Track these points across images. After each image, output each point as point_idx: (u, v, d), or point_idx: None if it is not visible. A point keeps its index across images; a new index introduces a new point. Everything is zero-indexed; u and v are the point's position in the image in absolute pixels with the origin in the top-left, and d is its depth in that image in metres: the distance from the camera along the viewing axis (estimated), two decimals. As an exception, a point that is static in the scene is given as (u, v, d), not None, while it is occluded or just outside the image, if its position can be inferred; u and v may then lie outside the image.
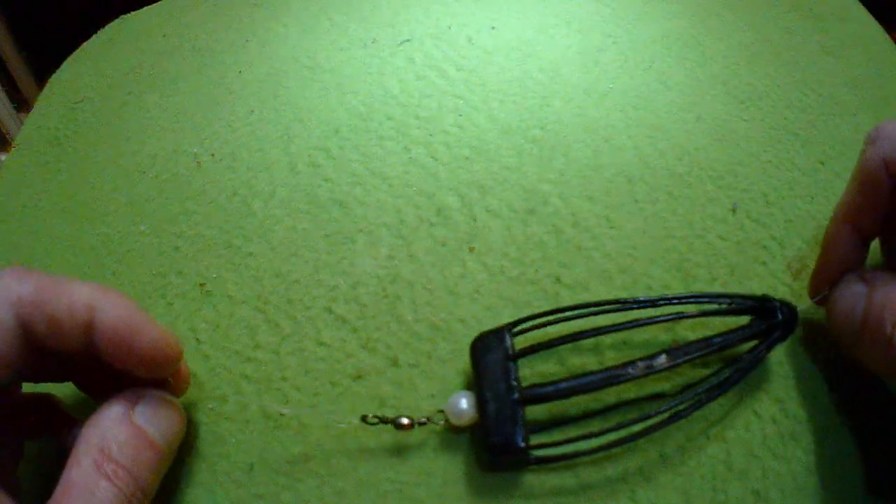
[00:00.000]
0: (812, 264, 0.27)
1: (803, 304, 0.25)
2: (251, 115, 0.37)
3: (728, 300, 0.24)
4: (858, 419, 0.24)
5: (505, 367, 0.23)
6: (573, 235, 0.29)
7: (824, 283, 0.24)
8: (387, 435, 0.24)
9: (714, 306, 0.24)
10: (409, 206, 0.31)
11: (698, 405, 0.23)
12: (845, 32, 0.39)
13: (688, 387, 0.24)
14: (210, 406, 0.25)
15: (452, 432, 0.24)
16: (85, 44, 0.46)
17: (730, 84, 0.36)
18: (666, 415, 0.22)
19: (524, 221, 0.30)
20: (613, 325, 0.24)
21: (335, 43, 0.41)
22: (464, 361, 0.26)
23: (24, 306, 0.19)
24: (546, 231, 0.29)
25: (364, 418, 0.23)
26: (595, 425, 0.23)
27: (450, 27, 0.40)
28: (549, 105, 0.35)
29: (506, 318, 0.26)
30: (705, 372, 0.25)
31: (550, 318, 0.24)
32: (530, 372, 0.25)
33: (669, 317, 0.24)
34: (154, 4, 0.48)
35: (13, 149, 0.39)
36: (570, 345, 0.24)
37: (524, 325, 0.24)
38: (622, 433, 0.22)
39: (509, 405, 0.22)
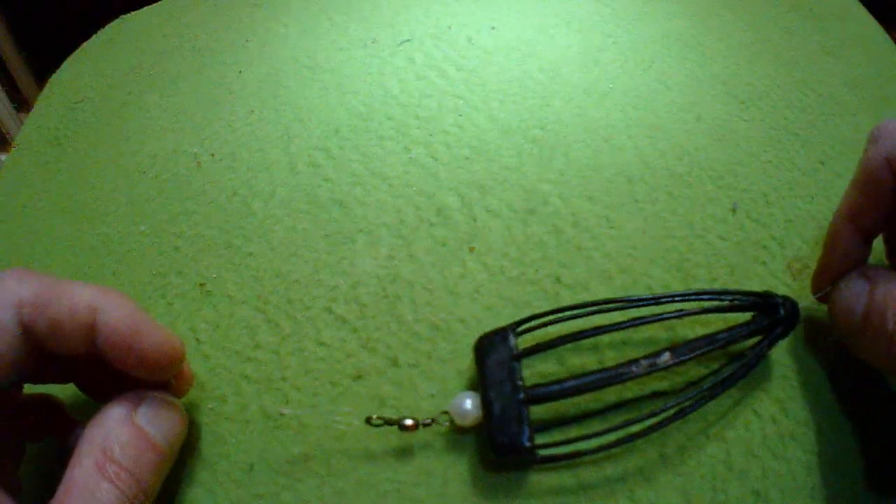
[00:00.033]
0: (812, 264, 0.28)
1: (806, 301, 0.25)
2: (251, 115, 0.37)
3: (730, 297, 0.24)
4: (859, 417, 0.24)
5: (510, 367, 0.23)
6: (573, 235, 0.29)
7: (827, 281, 0.24)
8: (388, 436, 0.24)
9: (716, 303, 0.24)
10: (409, 206, 0.31)
11: (703, 401, 0.23)
12: (845, 32, 0.39)
13: (690, 384, 0.24)
14: (210, 406, 0.25)
15: (457, 433, 0.24)
16: (85, 44, 0.46)
17: (730, 84, 0.36)
18: (671, 411, 0.22)
19: (524, 221, 0.30)
20: (617, 324, 0.24)
21: (335, 43, 0.41)
22: (464, 361, 0.26)
23: (26, 308, 0.19)
24: (546, 231, 0.29)
25: (368, 420, 0.23)
26: (597, 424, 0.23)
27: (450, 27, 0.40)
28: (549, 105, 0.35)
29: (506, 318, 0.26)
30: (705, 370, 0.25)
31: (554, 317, 0.24)
32: (530, 372, 0.25)
33: (673, 314, 0.24)
34: (154, 4, 0.48)
35: (13, 149, 0.39)
36: (570, 345, 0.24)
37: (528, 325, 0.24)
38: (628, 430, 0.22)
39: (514, 405, 0.22)
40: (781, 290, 0.27)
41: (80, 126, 0.39)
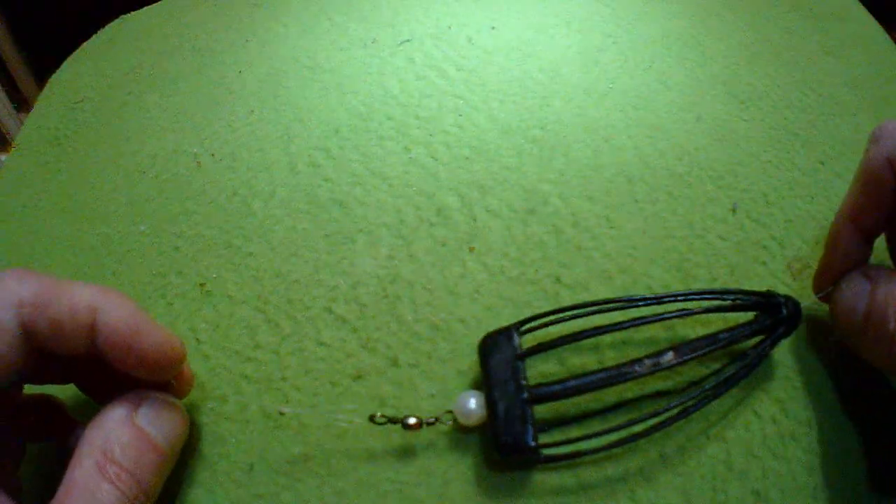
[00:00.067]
0: (812, 264, 0.28)
1: (806, 301, 0.25)
2: (251, 115, 0.37)
3: (732, 296, 0.24)
4: (860, 417, 0.24)
5: (514, 366, 0.23)
6: (573, 235, 0.29)
7: (828, 281, 0.24)
8: (388, 435, 0.24)
9: (718, 303, 0.24)
10: (409, 206, 0.31)
11: (705, 401, 0.23)
12: (845, 32, 0.39)
13: (692, 384, 0.24)
14: (210, 406, 0.25)
15: (460, 432, 0.24)
16: (85, 44, 0.46)
17: (730, 84, 0.36)
18: (674, 411, 0.22)
19: (524, 221, 0.30)
20: (621, 323, 0.24)
21: (335, 43, 0.41)
22: (464, 361, 0.26)
23: (26, 308, 0.19)
24: (546, 231, 0.29)
25: (372, 418, 0.23)
26: (597, 424, 0.23)
27: (450, 27, 0.40)
28: (549, 105, 0.35)
29: (506, 318, 0.26)
30: (706, 370, 0.25)
31: (557, 316, 0.24)
32: (532, 372, 0.25)
33: (676, 313, 0.24)
34: (154, 4, 0.48)
35: (13, 149, 0.39)
36: (570, 345, 0.24)
37: (532, 324, 0.24)
38: (631, 430, 0.22)
39: (519, 404, 0.22)
40: (781, 289, 0.27)
41: (80, 126, 0.39)
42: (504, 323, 0.25)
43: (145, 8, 0.48)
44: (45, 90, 0.43)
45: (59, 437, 0.24)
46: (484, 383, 0.23)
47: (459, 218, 0.30)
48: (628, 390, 0.24)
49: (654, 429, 0.22)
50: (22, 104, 1.14)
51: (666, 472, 0.23)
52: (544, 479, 0.23)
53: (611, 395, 0.24)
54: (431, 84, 0.37)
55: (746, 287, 0.27)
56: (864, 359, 0.23)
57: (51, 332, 0.20)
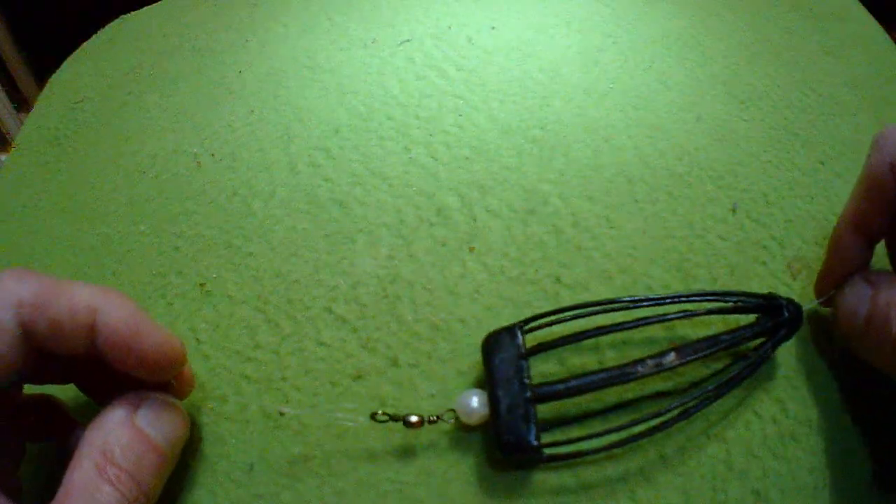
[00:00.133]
0: (812, 264, 0.28)
1: (805, 303, 0.25)
2: (251, 115, 0.37)
3: (734, 298, 0.24)
4: (860, 418, 0.24)
5: (517, 365, 0.23)
6: (573, 235, 0.29)
7: (830, 285, 0.24)
8: (389, 435, 0.24)
9: (720, 304, 0.24)
10: (409, 206, 0.31)
11: (707, 402, 0.23)
12: (845, 32, 0.39)
13: (693, 384, 0.24)
14: (210, 406, 0.25)
15: (461, 431, 0.24)
16: (85, 44, 0.46)
17: (730, 84, 0.36)
18: (675, 412, 0.22)
19: (524, 221, 0.30)
20: (624, 323, 0.24)
21: (335, 43, 0.41)
22: (464, 361, 0.26)
23: (25, 308, 0.19)
24: (546, 231, 0.29)
25: (373, 416, 0.23)
26: (598, 424, 0.23)
27: (450, 27, 0.40)
28: (549, 105, 0.35)
29: (506, 318, 0.26)
30: (707, 371, 0.25)
31: (561, 316, 0.24)
32: (532, 372, 0.25)
33: (678, 314, 0.24)
34: (154, 4, 0.48)
35: (13, 149, 0.39)
36: (571, 345, 0.24)
37: (535, 323, 0.24)
38: (632, 431, 0.22)
39: (522, 403, 0.22)
40: (782, 290, 0.27)
41: (80, 126, 0.39)
42: (504, 323, 0.25)
43: (145, 8, 0.48)
44: (45, 90, 0.43)
45: (59, 437, 0.24)
46: (487, 382, 0.23)
47: (459, 218, 0.30)
48: (629, 391, 0.24)
49: (655, 429, 0.22)
50: (22, 104, 1.14)
51: (666, 472, 0.23)
52: (545, 478, 0.23)
53: (612, 395, 0.24)
54: (431, 84, 0.37)
55: (747, 287, 0.27)
56: (866, 361, 0.23)
57: (50, 332, 0.20)
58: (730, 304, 0.24)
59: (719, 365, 0.25)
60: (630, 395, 0.24)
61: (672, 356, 0.23)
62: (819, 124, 0.34)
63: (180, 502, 0.23)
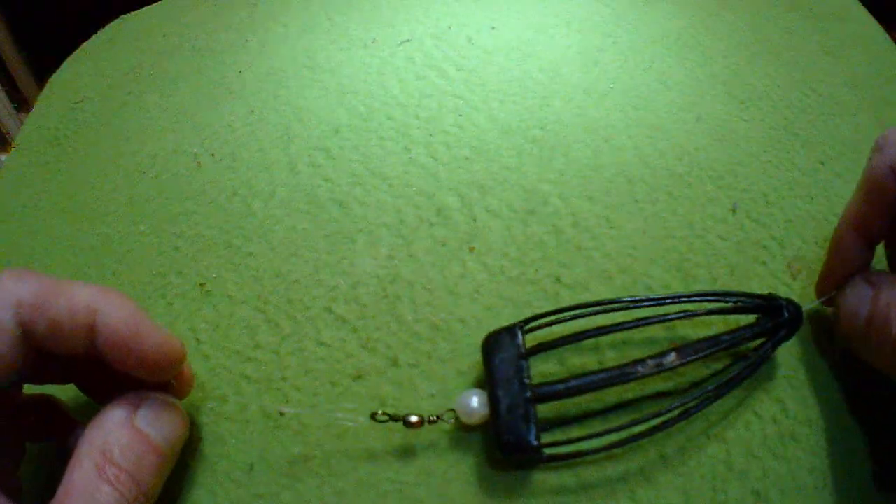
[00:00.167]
0: (812, 264, 0.28)
1: (805, 303, 0.25)
2: (251, 115, 0.37)
3: (734, 298, 0.24)
4: (860, 418, 0.24)
5: (518, 365, 0.23)
6: (573, 235, 0.29)
7: (831, 286, 0.25)
8: (389, 435, 0.24)
9: (720, 304, 0.24)
10: (409, 206, 0.31)
11: (707, 402, 0.23)
12: (845, 32, 0.39)
13: (694, 385, 0.24)
14: (210, 406, 0.25)
15: (461, 431, 0.24)
16: (85, 44, 0.46)
17: (730, 84, 0.36)
18: (676, 412, 0.22)
19: (524, 221, 0.30)
20: (623, 323, 0.24)
21: (335, 43, 0.41)
22: (464, 361, 0.26)
23: (25, 308, 0.19)
24: (546, 231, 0.29)
25: (373, 415, 0.23)
26: (598, 425, 0.23)
27: (450, 27, 0.40)
28: (549, 105, 0.35)
29: (506, 318, 0.26)
30: (707, 371, 0.25)
31: (561, 316, 0.24)
32: (532, 372, 0.25)
33: (678, 315, 0.24)
34: (154, 4, 0.48)
35: (13, 149, 0.39)
36: (571, 345, 0.24)
37: (536, 323, 0.24)
38: (632, 431, 0.22)
39: (522, 403, 0.22)
40: (782, 290, 0.27)
41: (80, 126, 0.39)
42: (504, 323, 0.25)
43: (145, 8, 0.48)
44: (45, 90, 0.43)
45: (59, 437, 0.24)
46: (487, 381, 0.23)
47: (459, 218, 0.30)
48: (629, 391, 0.24)
49: (656, 429, 0.22)
50: (22, 104, 1.14)
51: (666, 472, 0.23)
52: (545, 478, 0.23)
53: (612, 395, 0.24)
54: (431, 84, 0.37)
55: (747, 287, 0.27)
56: (867, 361, 0.23)
57: (50, 332, 0.20)
58: (730, 304, 0.24)
59: (719, 365, 0.25)
60: (630, 395, 0.24)
61: (672, 356, 0.23)
62: (819, 124, 0.34)
63: (180, 502, 0.23)
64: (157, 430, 0.21)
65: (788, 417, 0.24)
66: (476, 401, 0.23)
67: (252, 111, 0.37)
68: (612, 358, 0.25)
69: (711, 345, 0.23)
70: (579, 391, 0.23)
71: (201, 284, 0.29)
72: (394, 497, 0.23)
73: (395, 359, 0.26)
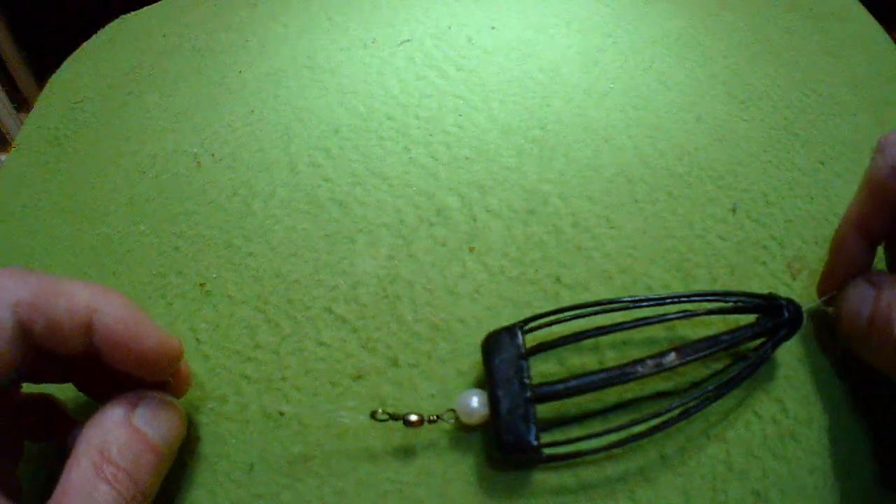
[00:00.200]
0: (812, 264, 0.28)
1: (805, 303, 0.25)
2: (251, 115, 0.37)
3: (734, 298, 0.24)
4: (860, 418, 0.24)
5: (518, 365, 0.23)
6: (573, 235, 0.29)
7: (832, 286, 0.25)
8: (389, 435, 0.24)
9: (720, 304, 0.24)
10: (409, 206, 0.31)
11: (707, 402, 0.23)
12: (845, 32, 0.39)
13: (694, 385, 0.24)
14: (210, 406, 0.25)
15: (461, 431, 0.24)
16: (85, 44, 0.46)
17: (730, 84, 0.36)
18: (675, 412, 0.22)
19: (524, 221, 0.30)
20: (623, 323, 0.24)
21: (335, 43, 0.41)
22: (464, 361, 0.26)
23: (23, 307, 0.19)
24: (546, 231, 0.29)
25: (373, 415, 0.23)
26: (598, 425, 0.23)
27: (450, 27, 0.40)
28: (549, 105, 0.35)
29: (506, 318, 0.26)
30: (707, 371, 0.25)
31: (561, 316, 0.24)
32: (532, 372, 0.25)
33: (678, 314, 0.24)
34: (154, 4, 0.48)
35: (13, 149, 0.39)
36: (570, 345, 0.24)
37: (536, 323, 0.24)
38: (631, 431, 0.22)
39: (522, 403, 0.22)
40: (782, 290, 0.27)
41: (80, 126, 0.39)
42: (504, 323, 0.25)
43: (145, 8, 0.48)
44: (45, 90, 0.43)
45: (58, 436, 0.24)
46: (487, 381, 0.23)
47: (459, 218, 0.30)
48: (629, 391, 0.24)
49: (655, 429, 0.22)
50: (22, 104, 1.14)
51: (666, 472, 0.23)
52: (544, 478, 0.23)
53: (611, 395, 0.24)
54: (431, 84, 0.37)
55: (747, 287, 0.27)
56: (867, 362, 0.23)
57: (48, 331, 0.20)
58: (730, 304, 0.24)
59: (719, 365, 0.25)
60: (630, 395, 0.24)
61: (672, 356, 0.23)
62: (819, 124, 0.34)
63: (180, 502, 0.23)
64: (155, 428, 0.21)
65: (788, 417, 0.24)
66: (476, 401, 0.23)
67: (252, 111, 0.37)
68: (611, 358, 0.25)
69: (711, 345, 0.23)
70: (579, 391, 0.23)
71: (201, 284, 0.29)
72: (394, 497, 0.23)
73: (395, 359, 0.26)
